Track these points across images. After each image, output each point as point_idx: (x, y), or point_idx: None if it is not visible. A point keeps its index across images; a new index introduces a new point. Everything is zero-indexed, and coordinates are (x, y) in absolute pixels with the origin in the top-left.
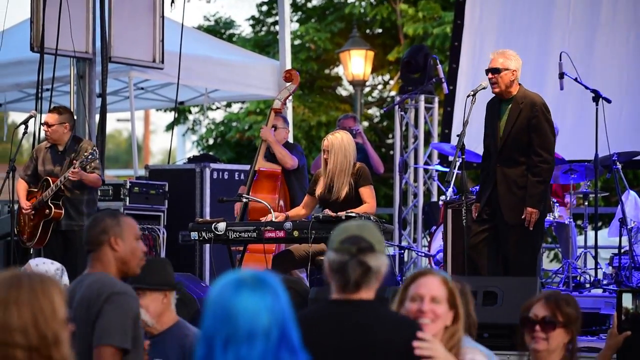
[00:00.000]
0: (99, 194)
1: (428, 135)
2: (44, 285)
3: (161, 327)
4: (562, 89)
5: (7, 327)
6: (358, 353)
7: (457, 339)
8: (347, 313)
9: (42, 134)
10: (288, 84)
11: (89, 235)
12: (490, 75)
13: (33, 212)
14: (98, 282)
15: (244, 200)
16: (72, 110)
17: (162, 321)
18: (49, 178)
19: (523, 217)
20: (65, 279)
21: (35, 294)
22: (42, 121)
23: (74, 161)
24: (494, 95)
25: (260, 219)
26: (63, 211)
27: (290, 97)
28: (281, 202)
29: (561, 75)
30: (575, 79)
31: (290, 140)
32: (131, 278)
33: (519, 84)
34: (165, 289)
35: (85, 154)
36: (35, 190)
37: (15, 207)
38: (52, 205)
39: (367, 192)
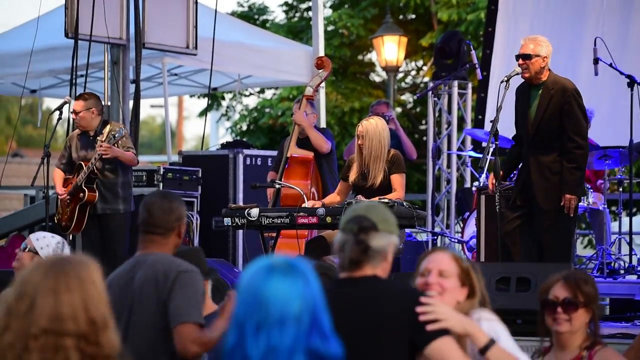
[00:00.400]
0: (133, 179)
1: (461, 121)
2: (89, 270)
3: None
4: (596, 74)
5: (59, 315)
6: (363, 328)
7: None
8: (349, 290)
9: None
10: (320, 70)
11: (164, 220)
12: (520, 61)
13: (69, 198)
14: (162, 262)
15: (277, 186)
16: (106, 96)
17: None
18: (82, 163)
19: (562, 204)
20: (67, 252)
21: (82, 279)
22: (70, 109)
23: (102, 141)
24: (523, 81)
25: (302, 204)
26: (97, 194)
27: (323, 84)
28: (313, 189)
29: (596, 61)
30: (610, 65)
31: (323, 126)
32: None
33: (549, 70)
34: (204, 279)
35: (112, 132)
36: (71, 177)
37: (51, 192)
38: (85, 189)
39: (398, 180)
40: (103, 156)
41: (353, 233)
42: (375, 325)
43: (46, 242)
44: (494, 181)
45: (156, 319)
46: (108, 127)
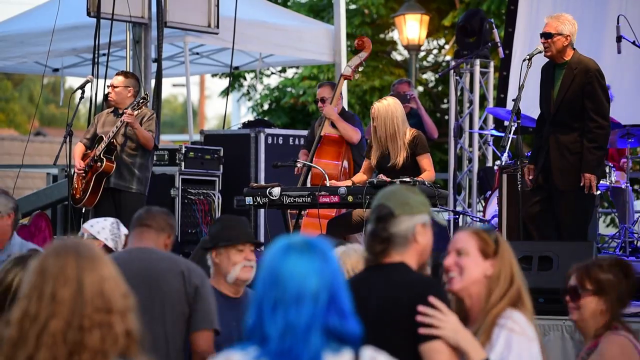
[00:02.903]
0: (155, 158)
1: (483, 99)
2: (99, 249)
3: (238, 294)
4: (619, 52)
5: (104, 292)
6: (377, 314)
7: (500, 290)
8: (374, 276)
9: (99, 100)
10: (360, 51)
11: (161, 218)
12: (542, 40)
13: (86, 169)
14: (178, 258)
15: (298, 165)
16: None
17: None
18: (102, 135)
19: (581, 184)
20: (124, 229)
21: (103, 256)
22: (109, 83)
23: (126, 110)
24: (548, 60)
25: (325, 183)
26: (115, 165)
27: (362, 65)
28: (345, 166)
29: (619, 39)
30: (633, 42)
31: (345, 105)
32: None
33: (574, 49)
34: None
35: (137, 99)
36: (90, 151)
37: (72, 171)
38: (104, 158)
39: (426, 161)
40: (125, 120)
41: (373, 223)
42: (384, 312)
43: (101, 226)
44: (530, 177)
45: (184, 311)
46: (137, 111)
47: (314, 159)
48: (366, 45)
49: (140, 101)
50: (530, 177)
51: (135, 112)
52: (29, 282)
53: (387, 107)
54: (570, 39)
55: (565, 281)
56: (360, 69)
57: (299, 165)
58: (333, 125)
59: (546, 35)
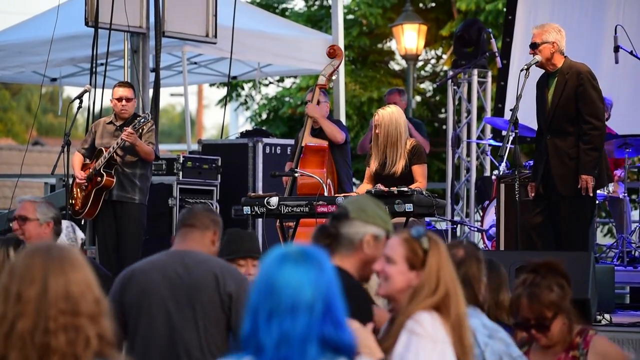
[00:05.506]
0: (153, 167)
1: (481, 109)
2: (77, 253)
3: None
4: (617, 62)
5: (70, 294)
6: None
7: (419, 300)
8: None
9: (97, 109)
10: (332, 59)
11: (203, 216)
12: (530, 51)
13: (86, 182)
14: (216, 260)
15: (297, 175)
16: None
17: None
18: (102, 148)
19: (579, 186)
20: (80, 233)
21: (77, 260)
22: (118, 96)
23: (125, 128)
24: (541, 74)
25: (322, 193)
26: (115, 180)
27: (335, 73)
28: (329, 179)
29: (616, 49)
30: (631, 52)
31: (343, 116)
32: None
33: (565, 56)
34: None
35: (139, 117)
36: (90, 162)
37: (70, 181)
38: (104, 173)
39: (420, 171)
40: (125, 139)
41: (328, 221)
42: None
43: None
44: (532, 194)
45: (220, 317)
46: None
47: (297, 170)
48: (338, 52)
49: (142, 121)
50: (532, 194)
51: (141, 135)
52: None
53: (391, 114)
54: (557, 45)
55: (516, 309)
56: (334, 77)
57: (296, 175)
58: (314, 134)
59: (532, 46)
